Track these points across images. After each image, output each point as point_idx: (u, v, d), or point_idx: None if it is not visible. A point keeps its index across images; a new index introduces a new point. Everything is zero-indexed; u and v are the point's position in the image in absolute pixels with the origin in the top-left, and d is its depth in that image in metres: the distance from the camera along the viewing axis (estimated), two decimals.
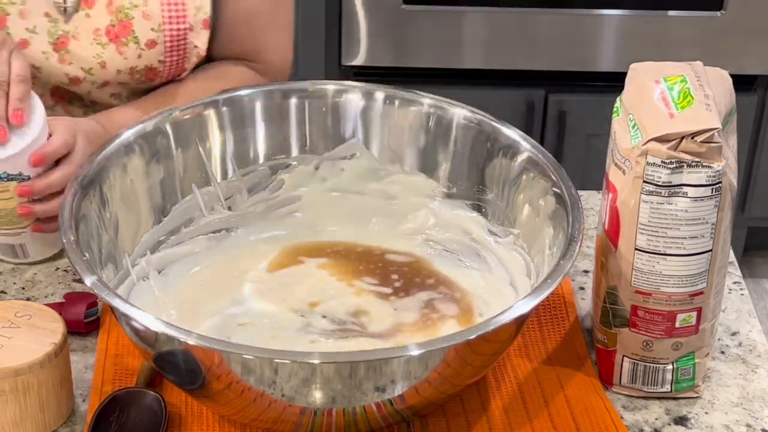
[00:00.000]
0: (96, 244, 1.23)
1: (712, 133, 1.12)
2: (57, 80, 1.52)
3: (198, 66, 1.58)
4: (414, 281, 1.34)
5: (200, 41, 1.53)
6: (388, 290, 1.33)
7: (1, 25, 1.47)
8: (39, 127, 1.34)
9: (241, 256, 1.37)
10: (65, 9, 1.48)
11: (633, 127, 1.17)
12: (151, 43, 1.50)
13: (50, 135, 1.35)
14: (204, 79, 1.57)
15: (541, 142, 2.63)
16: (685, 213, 1.15)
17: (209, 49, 1.57)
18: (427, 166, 1.39)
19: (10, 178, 1.33)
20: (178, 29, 1.51)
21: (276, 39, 1.62)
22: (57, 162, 1.36)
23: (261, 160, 1.39)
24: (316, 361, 1.06)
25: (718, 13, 2.56)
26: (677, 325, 1.21)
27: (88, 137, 1.39)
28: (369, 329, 1.27)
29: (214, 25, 1.55)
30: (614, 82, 2.34)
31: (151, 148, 1.32)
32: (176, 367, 1.12)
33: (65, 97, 1.56)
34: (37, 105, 1.35)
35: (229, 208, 1.38)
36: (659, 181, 1.14)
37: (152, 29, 1.50)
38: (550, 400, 1.24)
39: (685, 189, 1.14)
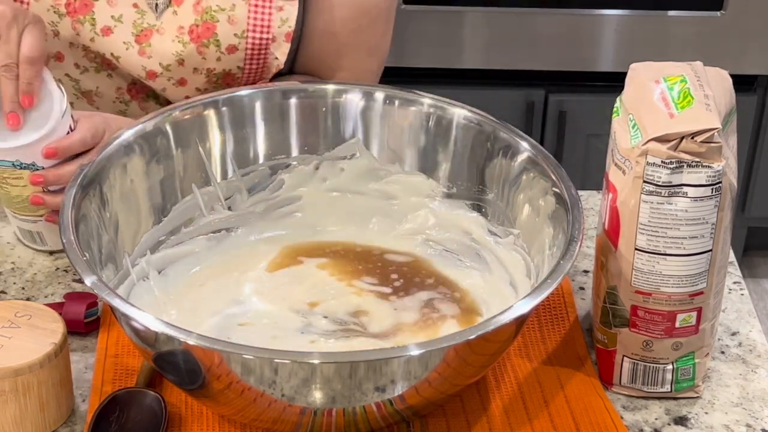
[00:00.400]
0: (96, 244, 1.23)
1: (712, 133, 1.13)
2: (135, 72, 1.51)
3: (276, 77, 1.57)
4: (414, 281, 1.34)
5: (281, 53, 1.52)
6: (388, 290, 1.33)
7: (87, 10, 1.47)
8: (56, 119, 1.32)
9: (241, 256, 1.37)
10: (156, 5, 1.49)
11: (633, 127, 1.17)
12: (232, 49, 1.50)
13: (73, 129, 1.34)
14: None
15: (541, 142, 2.63)
16: (685, 213, 1.15)
17: (290, 61, 1.56)
18: (427, 166, 1.39)
19: (23, 166, 1.33)
20: (261, 38, 1.50)
21: (355, 61, 1.58)
22: (77, 156, 1.35)
23: (261, 160, 1.39)
24: (316, 361, 1.06)
25: (718, 13, 2.56)
26: (677, 325, 1.21)
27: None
28: (369, 329, 1.27)
29: (298, 39, 1.54)
30: (614, 82, 2.34)
31: (151, 148, 1.32)
32: (176, 367, 1.12)
33: (141, 92, 1.56)
34: (57, 96, 1.33)
35: (229, 208, 1.38)
36: (659, 181, 1.14)
37: (235, 35, 1.49)
38: (550, 400, 1.24)
39: (685, 189, 1.14)
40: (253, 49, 1.51)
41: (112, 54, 1.49)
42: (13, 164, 1.33)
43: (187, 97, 1.53)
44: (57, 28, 1.48)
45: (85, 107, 1.56)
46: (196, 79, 1.52)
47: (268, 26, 1.50)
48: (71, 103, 1.46)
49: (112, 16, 1.49)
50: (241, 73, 1.53)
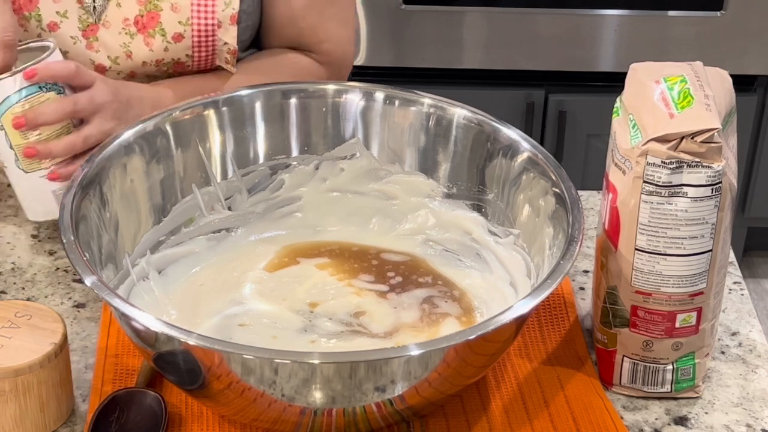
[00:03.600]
0: (96, 244, 1.23)
1: (712, 133, 1.13)
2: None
3: (253, 51, 1.58)
4: (411, 279, 1.34)
5: (229, 37, 1.52)
6: (385, 288, 1.33)
7: (32, 6, 1.48)
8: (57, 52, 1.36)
9: (241, 256, 1.37)
10: (94, 8, 1.49)
11: (633, 127, 1.17)
12: (178, 37, 1.50)
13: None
14: (250, 72, 1.56)
15: (541, 142, 2.63)
16: (685, 213, 1.15)
17: (263, 39, 1.57)
18: (427, 166, 1.39)
19: (48, 88, 1.36)
20: (206, 25, 1.50)
21: (333, 32, 1.61)
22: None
23: (261, 160, 1.39)
24: (316, 361, 1.06)
25: (718, 13, 2.57)
26: (677, 325, 1.21)
27: (129, 102, 1.41)
28: (369, 329, 1.27)
29: (262, 18, 1.55)
30: (614, 82, 2.35)
31: (151, 148, 1.32)
32: (176, 367, 1.12)
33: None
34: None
35: (229, 208, 1.38)
36: (659, 181, 1.14)
37: (180, 22, 1.50)
38: (550, 400, 1.24)
39: (685, 189, 1.14)
40: (199, 36, 1.51)
41: (61, 49, 1.48)
42: (39, 87, 1.35)
43: None
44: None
45: None
46: (145, 70, 1.52)
47: (213, 12, 1.50)
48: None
49: (57, 12, 1.49)
50: (191, 61, 1.53)
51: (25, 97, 1.35)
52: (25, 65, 1.35)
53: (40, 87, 1.35)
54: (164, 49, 1.51)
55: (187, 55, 1.52)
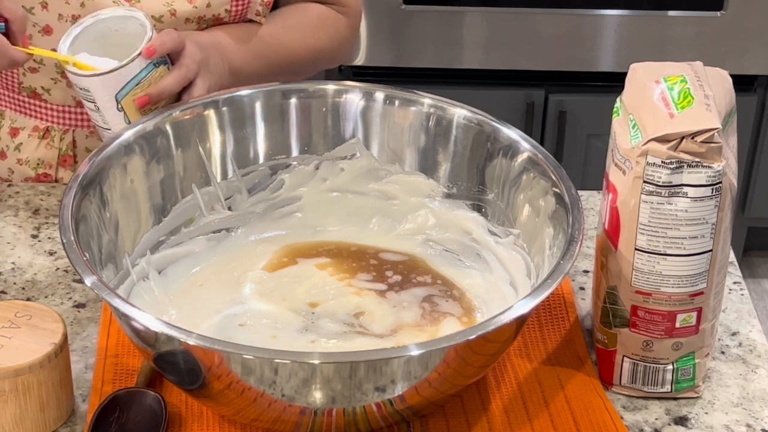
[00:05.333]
0: (96, 244, 1.23)
1: (712, 133, 1.13)
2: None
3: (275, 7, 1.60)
4: (410, 278, 1.34)
5: None
6: (384, 287, 1.33)
7: None
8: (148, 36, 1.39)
9: (241, 256, 1.37)
10: None
11: (633, 127, 1.17)
12: None
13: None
14: (278, 21, 1.60)
15: (541, 142, 2.63)
16: (685, 213, 1.15)
17: None
18: (427, 166, 1.39)
19: (158, 63, 1.39)
20: None
21: None
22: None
23: (261, 160, 1.39)
24: (316, 361, 1.06)
25: (718, 13, 2.57)
26: (677, 325, 1.21)
27: (208, 52, 1.45)
28: (369, 329, 1.27)
29: None
30: (614, 82, 2.35)
31: (151, 148, 1.32)
32: (176, 367, 1.12)
33: None
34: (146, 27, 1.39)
35: (229, 208, 1.38)
36: (659, 182, 1.14)
37: None
38: (550, 400, 1.24)
39: (685, 189, 1.14)
40: None
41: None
42: (153, 64, 1.38)
43: None
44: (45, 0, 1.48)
45: (64, 88, 1.56)
46: (186, 27, 1.53)
47: None
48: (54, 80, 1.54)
49: None
50: (228, 16, 1.55)
51: (144, 77, 1.37)
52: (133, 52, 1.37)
53: (154, 63, 1.38)
54: (207, 5, 1.52)
55: (225, 10, 1.54)
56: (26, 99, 1.57)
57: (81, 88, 1.38)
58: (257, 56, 1.55)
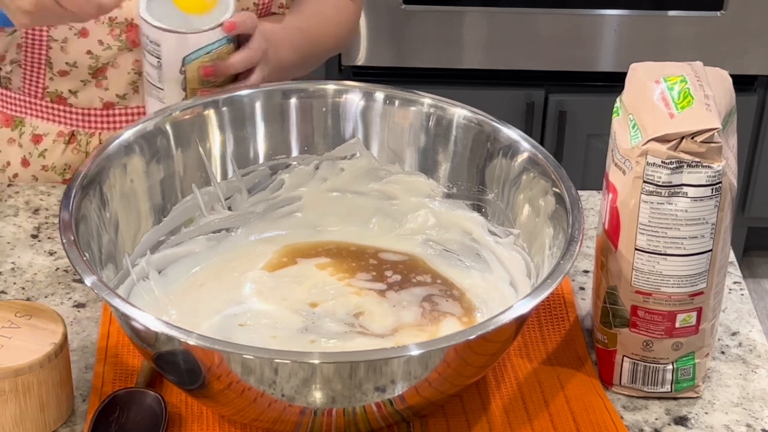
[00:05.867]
0: (96, 244, 1.23)
1: (712, 133, 1.13)
2: None
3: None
4: (410, 278, 1.34)
5: None
6: (384, 286, 1.33)
7: None
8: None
9: (241, 256, 1.37)
10: None
11: (633, 127, 1.17)
12: None
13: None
14: (297, 11, 1.62)
15: (541, 142, 2.63)
16: (685, 213, 1.15)
17: None
18: (427, 166, 1.39)
19: (229, 40, 1.42)
20: None
21: None
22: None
23: (261, 160, 1.39)
24: (316, 361, 1.06)
25: (718, 13, 2.57)
26: (677, 325, 1.21)
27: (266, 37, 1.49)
28: (369, 329, 1.27)
29: None
30: (614, 82, 2.35)
31: (151, 148, 1.32)
32: (176, 367, 1.12)
33: None
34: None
35: (229, 208, 1.38)
36: (659, 181, 1.14)
37: None
38: (550, 400, 1.24)
39: (685, 189, 1.14)
40: None
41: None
42: (227, 39, 1.42)
43: None
44: None
45: (93, 90, 1.56)
46: None
47: None
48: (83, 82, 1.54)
49: None
50: (256, 9, 1.58)
51: (215, 48, 1.40)
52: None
53: (227, 39, 1.41)
54: None
55: (254, 3, 1.57)
56: (49, 104, 1.57)
57: (151, 41, 1.41)
58: (295, 49, 1.58)
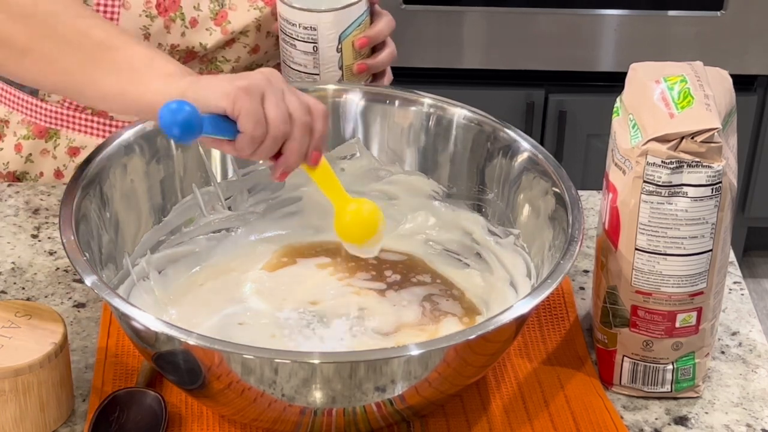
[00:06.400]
0: (96, 244, 1.23)
1: (712, 133, 1.13)
2: (213, 44, 1.51)
3: None
4: (410, 278, 1.34)
5: None
6: (384, 286, 1.33)
7: (176, 7, 1.47)
8: None
9: (241, 256, 1.37)
10: None
11: (633, 127, 1.17)
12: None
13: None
14: None
15: (541, 142, 2.63)
16: (685, 213, 1.15)
17: None
18: (427, 166, 1.39)
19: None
20: None
21: None
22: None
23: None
24: (316, 361, 1.06)
25: (718, 13, 2.56)
26: (677, 325, 1.21)
27: None
28: (369, 329, 1.27)
29: None
30: (614, 82, 2.34)
31: (151, 148, 1.32)
32: (176, 367, 1.12)
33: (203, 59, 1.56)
34: None
35: (230, 208, 1.38)
36: (659, 181, 1.14)
37: None
38: (550, 400, 1.24)
39: (685, 189, 1.14)
40: None
41: (200, 43, 1.49)
42: (368, 10, 1.45)
43: (254, 64, 1.56)
44: (148, 30, 1.47)
45: None
46: (267, 43, 1.53)
47: None
48: None
49: (194, 7, 1.49)
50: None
51: (363, 20, 1.43)
52: None
53: (368, 9, 1.44)
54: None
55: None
56: (90, 117, 1.55)
57: (305, 27, 1.42)
58: None
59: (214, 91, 1.14)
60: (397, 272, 1.35)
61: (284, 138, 1.16)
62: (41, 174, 1.59)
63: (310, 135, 1.18)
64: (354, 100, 1.39)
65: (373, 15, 1.48)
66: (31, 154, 1.58)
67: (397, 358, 1.07)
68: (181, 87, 1.16)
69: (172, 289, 1.31)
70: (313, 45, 1.43)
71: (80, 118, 1.55)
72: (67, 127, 1.56)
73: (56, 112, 1.56)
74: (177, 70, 1.19)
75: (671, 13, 2.57)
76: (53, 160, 1.58)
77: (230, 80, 1.15)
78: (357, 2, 1.42)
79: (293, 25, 1.43)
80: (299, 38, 1.43)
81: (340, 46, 1.43)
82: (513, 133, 1.32)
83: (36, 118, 1.57)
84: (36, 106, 1.56)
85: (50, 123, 1.56)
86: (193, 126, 1.07)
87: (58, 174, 1.58)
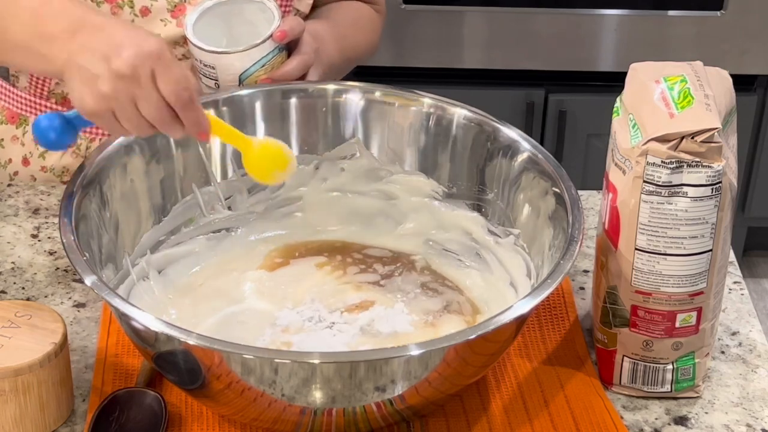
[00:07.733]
0: (96, 244, 1.23)
1: (712, 133, 1.13)
2: (166, 37, 1.50)
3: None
4: (410, 278, 1.34)
5: (304, 5, 1.57)
6: (384, 286, 1.33)
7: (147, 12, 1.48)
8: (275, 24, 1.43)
9: (241, 256, 1.37)
10: None
11: (633, 127, 1.17)
12: None
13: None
14: (351, 24, 1.63)
15: (541, 142, 2.63)
16: (685, 213, 1.15)
17: None
18: (427, 166, 1.39)
19: (281, 49, 1.44)
20: None
21: None
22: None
23: None
24: (316, 361, 1.06)
25: (718, 13, 2.56)
26: (677, 325, 1.21)
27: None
28: (369, 328, 1.27)
29: None
30: (614, 82, 2.34)
31: (151, 148, 1.32)
32: (176, 367, 1.12)
33: None
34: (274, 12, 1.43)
35: (229, 208, 1.38)
36: (659, 181, 1.14)
37: None
38: (550, 400, 1.24)
39: (685, 189, 1.14)
40: None
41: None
42: (279, 49, 1.43)
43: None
44: None
45: None
46: None
47: None
48: None
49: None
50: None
51: (269, 60, 1.40)
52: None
53: (278, 48, 1.41)
54: None
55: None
56: (54, 106, 1.56)
57: (206, 65, 1.40)
58: (339, 50, 1.57)
59: (80, 94, 1.14)
60: (397, 273, 1.35)
61: (130, 99, 1.13)
62: (9, 161, 1.59)
63: (155, 90, 1.13)
64: (354, 100, 1.39)
65: (296, 45, 1.45)
66: (3, 140, 1.59)
67: (397, 358, 1.07)
68: (58, 64, 1.16)
69: (172, 289, 1.31)
70: (214, 81, 1.43)
71: (46, 106, 1.56)
72: (35, 114, 1.57)
73: (26, 99, 1.57)
74: (62, 28, 1.18)
75: (671, 13, 2.57)
76: (21, 147, 1.58)
77: (98, 77, 1.13)
78: (260, 44, 1.40)
79: (196, 59, 1.43)
80: (202, 72, 1.43)
81: (241, 84, 1.42)
82: (513, 133, 1.32)
83: (9, 103, 1.58)
84: (9, 91, 1.57)
85: (21, 109, 1.57)
86: (66, 135, 1.18)
87: (26, 161, 1.59)
